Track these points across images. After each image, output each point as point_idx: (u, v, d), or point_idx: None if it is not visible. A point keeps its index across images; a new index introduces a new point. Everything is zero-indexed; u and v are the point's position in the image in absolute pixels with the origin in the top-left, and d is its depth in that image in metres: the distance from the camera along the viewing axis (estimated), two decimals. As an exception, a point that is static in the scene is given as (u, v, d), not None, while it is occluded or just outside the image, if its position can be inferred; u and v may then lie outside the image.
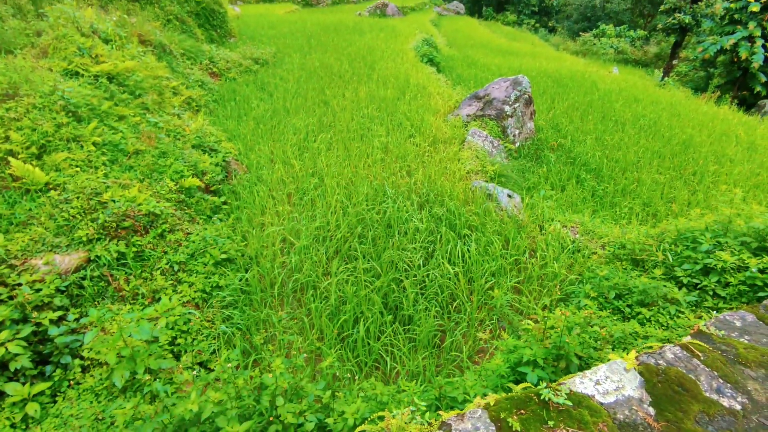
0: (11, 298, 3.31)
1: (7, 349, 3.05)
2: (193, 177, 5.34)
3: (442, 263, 4.51)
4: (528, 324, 3.23)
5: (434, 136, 7.42)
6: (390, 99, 8.88)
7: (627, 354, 2.26)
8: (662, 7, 27.81)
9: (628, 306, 3.77)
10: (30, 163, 4.21)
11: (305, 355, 3.60)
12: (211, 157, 5.98)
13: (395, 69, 10.98)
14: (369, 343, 3.83)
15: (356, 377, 3.54)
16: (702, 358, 2.26)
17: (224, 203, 5.58)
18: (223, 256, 4.51)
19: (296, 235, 4.96)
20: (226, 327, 3.96)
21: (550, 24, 46.57)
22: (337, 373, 3.48)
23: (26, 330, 3.22)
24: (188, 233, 4.62)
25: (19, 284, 3.41)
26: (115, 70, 5.85)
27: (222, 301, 4.18)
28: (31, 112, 4.51)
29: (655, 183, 7.18)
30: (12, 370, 3.10)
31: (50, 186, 4.19)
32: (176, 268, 4.26)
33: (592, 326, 3.14)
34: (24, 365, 3.12)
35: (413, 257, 4.57)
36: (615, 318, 3.65)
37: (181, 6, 10.69)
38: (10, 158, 4.06)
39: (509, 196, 5.78)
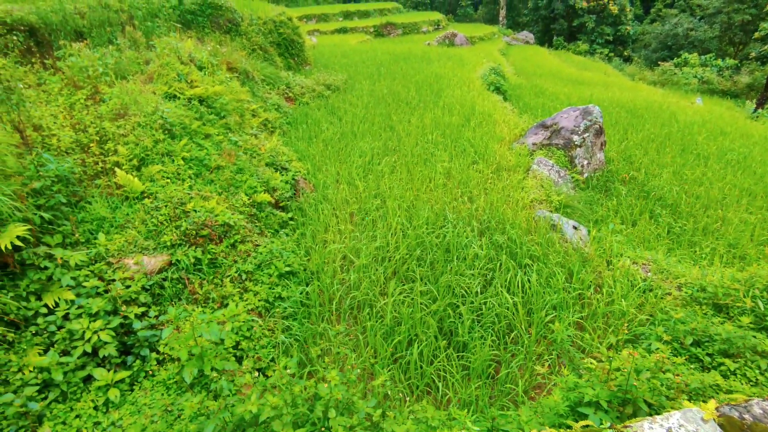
0: (106, 291, 3.72)
1: (99, 337, 3.41)
2: (264, 193, 5.72)
3: (501, 292, 4.42)
4: (591, 363, 3.08)
5: (498, 164, 7.37)
6: (455, 126, 8.97)
7: (705, 404, 2.09)
8: (756, 35, 25.80)
9: (708, 355, 3.47)
10: (131, 173, 4.76)
11: (359, 371, 3.66)
12: (282, 175, 6.37)
13: (461, 96, 11.10)
14: (421, 367, 3.83)
15: (407, 399, 3.54)
16: (794, 417, 2.04)
17: (291, 219, 5.89)
18: (287, 268, 4.75)
19: (356, 253, 5.11)
20: (285, 337, 4.13)
21: (625, 53, 44.73)
22: (389, 393, 3.50)
23: (115, 321, 3.59)
24: (257, 245, 4.93)
25: (113, 280, 3.82)
26: (205, 94, 6.48)
27: (283, 312, 4.38)
28: (136, 129, 5.13)
29: (744, 223, 6.58)
30: (101, 356, 3.46)
31: (145, 194, 4.69)
32: (244, 276, 4.55)
33: (664, 372, 2.92)
34: (111, 353, 3.47)
35: (471, 283, 4.52)
36: (692, 366, 3.37)
37: (265, 37, 11.63)
38: (116, 169, 4.63)
39: (575, 227, 5.57)
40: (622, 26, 43.64)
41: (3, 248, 3.21)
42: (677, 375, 2.88)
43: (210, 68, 7.57)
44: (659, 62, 36.12)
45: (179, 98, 6.23)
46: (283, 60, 12.39)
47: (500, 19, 48.34)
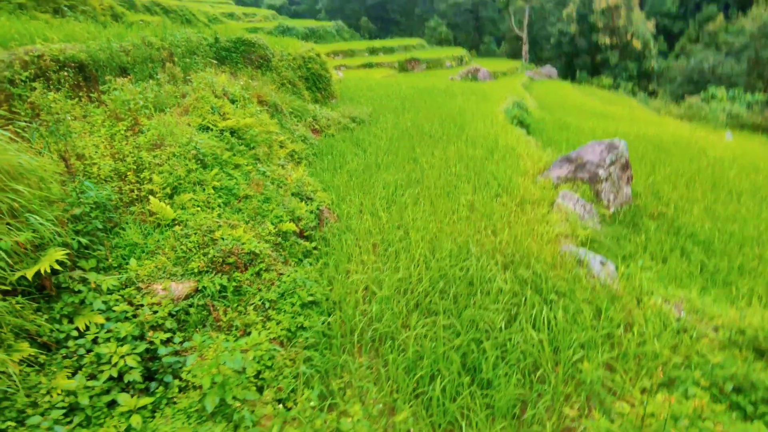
0: (134, 316, 3.80)
1: (125, 362, 3.47)
2: (290, 222, 5.82)
3: (526, 328, 4.31)
4: (623, 407, 2.95)
5: (522, 197, 7.33)
6: (478, 158, 9.03)
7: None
8: (786, 71, 25.35)
9: (752, 403, 3.27)
10: (164, 201, 4.95)
11: (380, 405, 3.59)
12: (307, 204, 6.49)
13: (484, 130, 11.21)
14: (444, 404, 3.72)
15: (429, 438, 3.44)
16: None
17: (315, 248, 5.95)
18: (310, 298, 4.76)
19: (379, 284, 5.09)
20: (307, 368, 4.10)
21: (650, 87, 44.54)
22: (411, 430, 3.40)
23: (141, 347, 3.65)
24: (281, 273, 4.98)
25: (142, 305, 3.91)
26: (237, 126, 6.75)
27: (305, 342, 4.36)
28: (171, 159, 5.36)
29: (783, 263, 6.30)
30: (125, 381, 3.50)
31: (176, 222, 4.85)
32: (267, 305, 4.58)
33: (704, 420, 2.77)
34: (135, 379, 3.51)
35: (495, 318, 4.43)
36: (734, 415, 3.18)
37: (294, 72, 12.13)
38: (150, 196, 4.82)
39: (602, 263, 5.44)
40: (646, 61, 43.70)
41: (42, 271, 3.34)
42: (717, 423, 2.72)
43: (242, 101, 7.91)
44: (685, 96, 35.77)
45: (212, 130, 6.50)
46: (310, 93, 12.85)
47: (523, 54, 49.16)
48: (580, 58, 47.98)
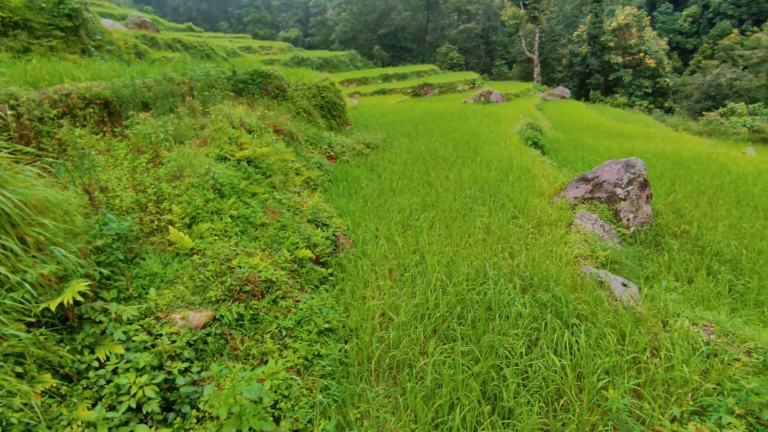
0: (153, 346, 3.84)
1: (144, 392, 3.48)
2: (306, 248, 5.86)
3: (547, 353, 4.19)
4: (653, 437, 2.81)
5: (539, 218, 7.25)
6: (493, 180, 9.01)
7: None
8: (807, 83, 24.87)
9: (790, 432, 3.09)
10: (183, 231, 5.06)
11: (398, 437, 3.51)
12: (323, 231, 6.54)
13: (498, 152, 11.22)
14: (465, 434, 3.61)
15: (450, 471, 3.32)
16: None
17: (331, 275, 5.96)
18: (326, 325, 4.74)
19: (395, 310, 5.05)
20: (323, 397, 4.05)
21: (666, 104, 44.14)
22: (430, 463, 3.30)
23: (160, 377, 3.67)
24: (297, 301, 4.99)
25: (161, 335, 3.95)
26: (253, 155, 6.92)
27: (322, 370, 4.32)
28: (189, 190, 5.51)
29: (817, 281, 6.03)
30: (144, 412, 3.51)
31: (194, 251, 4.93)
32: (284, 333, 4.57)
33: (739, 451, 2.62)
34: (153, 409, 3.51)
35: (515, 344, 4.33)
36: (771, 445, 3.00)
37: (309, 101, 12.43)
38: (170, 227, 4.93)
39: (624, 285, 5.30)
40: (661, 79, 43.48)
41: (65, 303, 3.42)
42: (756, 456, 2.57)
43: (258, 131, 8.12)
44: (703, 112, 35.31)
45: (230, 160, 6.68)
46: (325, 121, 13.12)
47: (535, 76, 49.50)
48: (593, 78, 48.02)
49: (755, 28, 46.06)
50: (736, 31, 49.14)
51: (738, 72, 40.25)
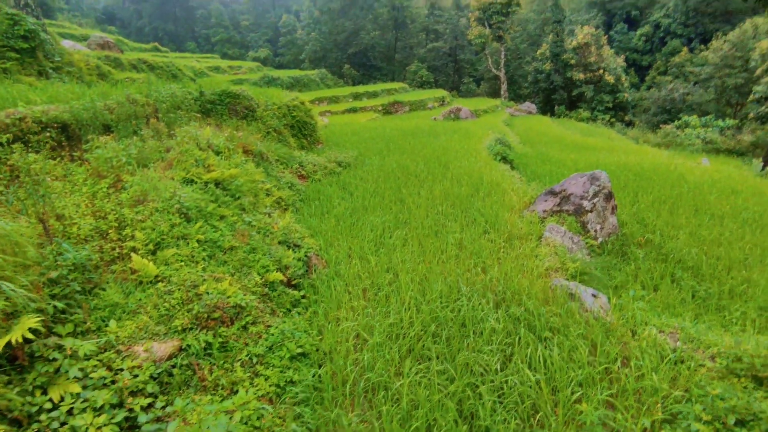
0: (113, 382, 3.62)
1: (102, 434, 3.26)
2: (277, 271, 5.73)
3: (522, 368, 4.19)
4: (627, 449, 2.82)
5: (509, 232, 7.35)
6: (464, 196, 9.11)
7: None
8: (751, 97, 26.63)
9: (756, 436, 3.16)
10: (146, 257, 4.85)
11: (374, 464, 3.40)
12: (295, 252, 6.42)
13: (469, 168, 11.40)
14: (442, 457, 3.54)
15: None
16: None
17: (303, 297, 5.83)
18: (299, 350, 4.61)
19: (370, 331, 4.97)
20: (297, 425, 3.91)
21: (626, 118, 46.26)
22: (408, 490, 3.21)
23: (120, 415, 3.45)
24: (268, 326, 4.84)
25: (122, 369, 3.74)
26: (221, 177, 6.77)
27: (294, 398, 4.18)
28: (154, 215, 5.31)
29: (772, 284, 6.31)
30: (103, 455, 3.28)
31: (159, 278, 4.73)
32: (255, 360, 4.41)
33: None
34: (114, 451, 3.29)
35: (490, 360, 4.32)
36: (740, 450, 3.06)
37: (279, 120, 12.37)
38: (132, 254, 4.73)
39: (594, 296, 5.40)
40: (620, 94, 45.58)
41: (14, 341, 3.20)
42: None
43: (226, 152, 7.98)
44: (660, 125, 37.15)
45: (196, 182, 6.51)
46: (296, 140, 13.05)
47: (502, 92, 51.02)
48: (557, 94, 49.93)
49: (702, 47, 49.19)
50: (685, 49, 52.33)
51: (690, 87, 42.73)
